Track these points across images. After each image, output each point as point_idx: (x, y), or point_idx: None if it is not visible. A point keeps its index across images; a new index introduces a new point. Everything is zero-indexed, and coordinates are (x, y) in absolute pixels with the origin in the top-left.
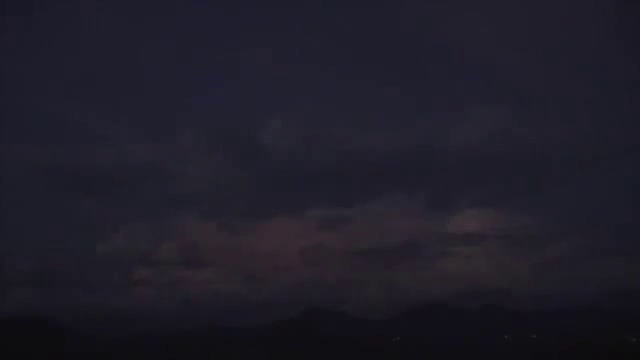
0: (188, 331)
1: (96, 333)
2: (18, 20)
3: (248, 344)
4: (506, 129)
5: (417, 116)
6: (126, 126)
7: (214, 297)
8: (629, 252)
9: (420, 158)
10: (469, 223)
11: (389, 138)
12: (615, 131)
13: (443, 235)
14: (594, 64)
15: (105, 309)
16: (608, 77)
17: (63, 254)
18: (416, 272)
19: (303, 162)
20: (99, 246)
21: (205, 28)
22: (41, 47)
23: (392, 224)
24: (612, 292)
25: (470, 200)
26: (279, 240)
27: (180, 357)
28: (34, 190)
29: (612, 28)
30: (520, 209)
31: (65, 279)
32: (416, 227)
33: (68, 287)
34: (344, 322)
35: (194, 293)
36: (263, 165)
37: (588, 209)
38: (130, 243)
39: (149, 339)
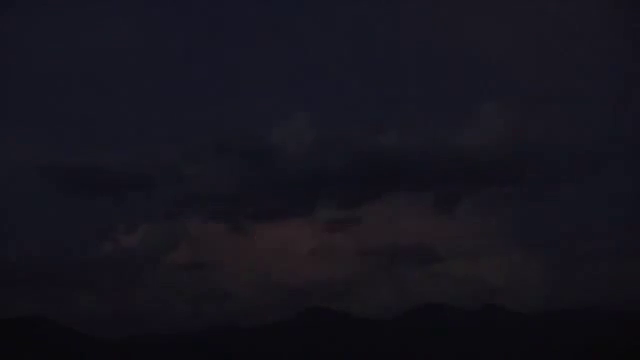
0: (191, 332)
1: (96, 333)
2: (20, 18)
3: (252, 344)
4: (514, 129)
5: (423, 116)
6: (137, 126)
7: (220, 297)
8: (630, 253)
9: (428, 158)
10: (475, 223)
11: (398, 138)
12: (619, 132)
13: (449, 235)
14: (599, 64)
15: (106, 309)
16: (612, 77)
17: (65, 254)
18: (422, 272)
19: (313, 163)
20: (104, 246)
21: (217, 27)
22: (47, 47)
23: (400, 224)
24: (613, 292)
25: (476, 200)
26: (288, 240)
27: (182, 357)
28: (41, 190)
29: (618, 28)
30: (524, 210)
31: (66, 279)
32: (423, 227)
33: (68, 287)
34: (347, 322)
35: (200, 293)
36: (273, 166)
37: (590, 210)
38: (135, 243)
39: (150, 339)
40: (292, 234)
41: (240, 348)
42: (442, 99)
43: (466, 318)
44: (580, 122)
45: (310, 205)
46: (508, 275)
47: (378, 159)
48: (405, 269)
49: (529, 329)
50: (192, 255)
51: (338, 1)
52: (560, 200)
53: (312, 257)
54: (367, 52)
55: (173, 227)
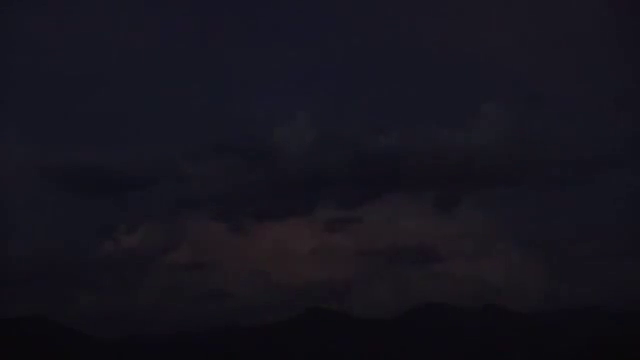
0: (191, 332)
1: (96, 333)
2: (20, 18)
3: (252, 344)
4: (514, 129)
5: (423, 116)
6: (137, 126)
7: (220, 297)
8: (630, 253)
9: (428, 158)
10: (475, 224)
11: (398, 138)
12: (619, 133)
13: (449, 235)
14: (599, 64)
15: (106, 309)
16: (612, 77)
17: (65, 254)
18: (422, 272)
19: (313, 162)
20: (104, 246)
21: (216, 27)
22: (48, 46)
23: (400, 224)
24: (613, 292)
25: (477, 200)
26: (288, 240)
27: (182, 357)
28: (41, 190)
29: (619, 28)
30: (524, 210)
31: (66, 279)
32: (423, 227)
33: (68, 287)
34: (347, 322)
35: (200, 293)
36: (273, 166)
37: (590, 210)
38: (136, 243)
39: (150, 339)
40: (292, 234)
41: (240, 348)
42: (442, 99)
43: (466, 318)
44: (580, 122)
45: (310, 205)
46: (508, 275)
47: (378, 159)
48: (405, 269)
49: (529, 329)
50: (192, 255)
51: (338, 1)
52: (560, 200)
53: (312, 257)
54: (367, 52)
55: (173, 227)
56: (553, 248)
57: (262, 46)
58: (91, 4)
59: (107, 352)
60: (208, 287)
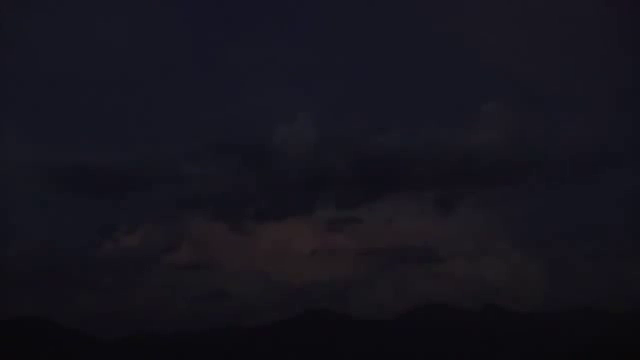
0: (191, 332)
1: (96, 333)
2: (20, 18)
3: (252, 344)
4: (514, 129)
5: (424, 117)
6: (137, 126)
7: (220, 297)
8: (630, 253)
9: (428, 158)
10: (475, 224)
11: (399, 139)
12: (619, 132)
13: (449, 235)
14: (599, 64)
15: (106, 309)
16: (612, 77)
17: (65, 254)
18: (422, 272)
19: (314, 163)
20: (105, 246)
21: (216, 28)
22: (48, 46)
23: (400, 224)
24: (613, 292)
25: (476, 200)
26: (288, 240)
27: (182, 357)
28: (41, 190)
29: (618, 28)
30: (524, 210)
31: (66, 279)
32: (423, 227)
33: (68, 287)
34: (347, 322)
35: (200, 293)
36: (274, 166)
37: (590, 210)
38: (136, 243)
39: (149, 339)
40: (292, 234)
41: (240, 348)
42: (442, 99)
43: (466, 318)
44: (580, 122)
45: (310, 205)
46: (508, 275)
47: (379, 159)
48: (405, 269)
49: (529, 329)
50: (192, 255)
51: (339, 1)
52: (560, 200)
53: (312, 257)
54: (368, 52)
55: (173, 227)
56: (553, 248)
57: (262, 46)
58: (91, 4)
59: (107, 352)
60: (208, 287)
